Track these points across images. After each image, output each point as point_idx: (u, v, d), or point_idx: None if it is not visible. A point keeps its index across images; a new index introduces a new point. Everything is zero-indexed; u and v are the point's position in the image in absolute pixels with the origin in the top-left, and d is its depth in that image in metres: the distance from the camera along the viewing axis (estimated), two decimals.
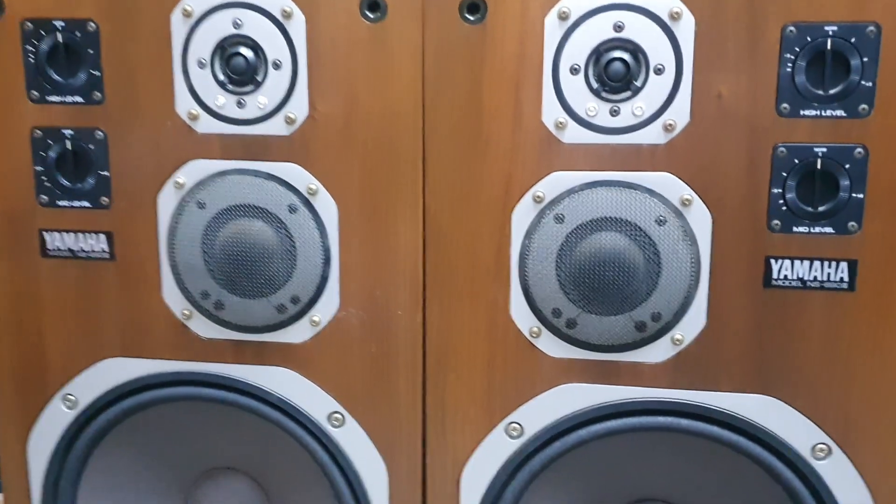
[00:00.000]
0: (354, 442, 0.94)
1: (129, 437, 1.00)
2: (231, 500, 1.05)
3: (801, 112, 0.80)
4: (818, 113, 0.79)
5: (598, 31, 0.82)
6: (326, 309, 0.91)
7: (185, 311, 0.93)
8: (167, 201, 0.91)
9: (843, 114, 0.79)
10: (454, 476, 0.94)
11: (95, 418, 0.97)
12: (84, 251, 0.94)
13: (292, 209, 0.88)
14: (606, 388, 0.89)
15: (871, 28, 0.77)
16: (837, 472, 0.86)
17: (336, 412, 0.94)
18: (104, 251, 0.93)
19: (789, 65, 0.79)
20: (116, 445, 1.00)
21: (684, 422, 0.88)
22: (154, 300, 0.94)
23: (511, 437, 0.92)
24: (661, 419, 0.88)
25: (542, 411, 0.90)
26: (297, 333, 0.92)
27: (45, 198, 0.93)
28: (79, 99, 0.90)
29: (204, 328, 0.94)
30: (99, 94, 0.90)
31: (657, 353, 0.87)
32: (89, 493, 1.01)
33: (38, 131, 0.91)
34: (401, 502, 0.95)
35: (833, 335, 0.84)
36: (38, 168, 0.92)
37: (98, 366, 0.96)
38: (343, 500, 0.95)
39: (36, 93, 0.91)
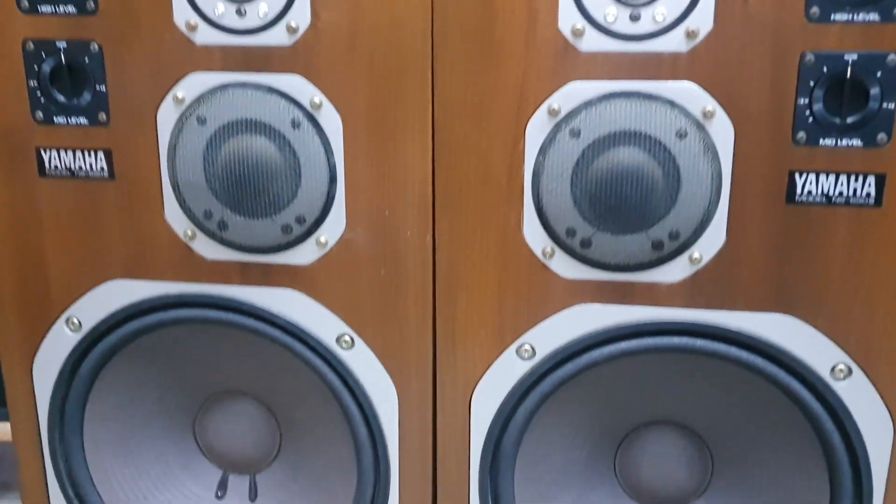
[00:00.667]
0: (364, 364, 0.93)
1: (136, 360, 0.99)
2: (240, 423, 1.04)
3: (832, 17, 0.75)
4: (849, 17, 0.75)
5: None
6: (333, 229, 0.89)
7: (189, 232, 0.91)
8: (167, 117, 0.88)
9: (877, 18, 0.74)
10: (465, 398, 0.92)
11: (100, 341, 0.96)
12: (83, 170, 0.91)
13: (295, 124, 0.84)
14: (621, 309, 0.87)
15: None
16: (857, 393, 0.84)
17: (345, 334, 0.92)
18: (103, 170, 0.90)
19: None
20: (123, 368, 0.99)
21: (700, 342, 0.86)
22: (156, 220, 0.91)
23: (522, 358, 0.90)
24: (676, 339, 0.86)
25: (554, 332, 0.88)
26: (304, 255, 0.90)
27: (40, 114, 0.90)
28: (71, 9, 0.86)
29: (208, 249, 0.91)
30: (92, 3, 0.85)
31: (674, 272, 0.84)
32: (96, 416, 1.01)
33: (31, 43, 0.87)
34: (411, 424, 0.94)
35: (857, 253, 0.81)
36: (32, 83, 0.89)
37: (101, 288, 0.94)
38: (353, 422, 0.94)
39: (26, 2, 0.86)
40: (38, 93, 0.89)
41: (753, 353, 0.85)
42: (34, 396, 1.00)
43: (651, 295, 0.86)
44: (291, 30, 0.83)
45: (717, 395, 0.93)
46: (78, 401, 0.99)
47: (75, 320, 0.96)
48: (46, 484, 1.04)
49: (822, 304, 0.83)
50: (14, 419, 1.02)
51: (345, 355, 0.93)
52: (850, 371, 0.84)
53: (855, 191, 0.79)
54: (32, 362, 0.99)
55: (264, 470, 1.05)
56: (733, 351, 0.85)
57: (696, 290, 0.84)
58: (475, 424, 0.93)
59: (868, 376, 0.84)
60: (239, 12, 0.83)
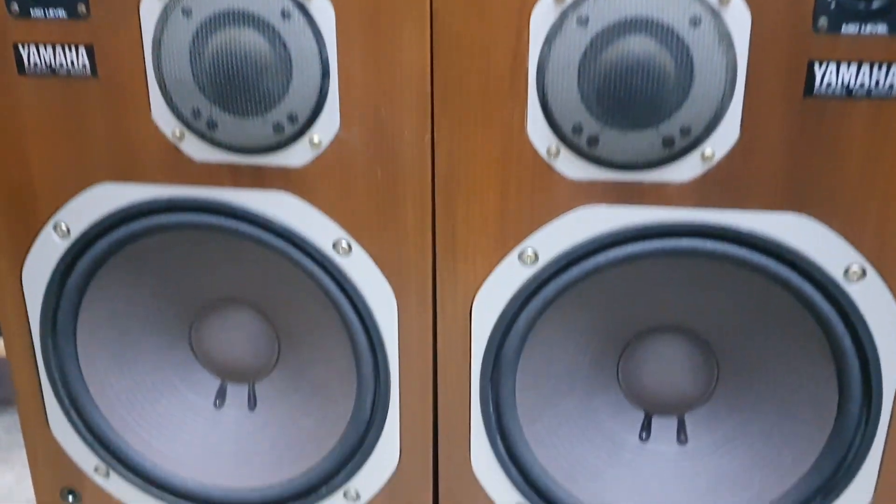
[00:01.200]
0: (362, 270, 0.90)
1: (128, 267, 0.96)
2: (237, 331, 1.02)
3: None
4: None
5: None
6: (327, 129, 0.85)
7: (177, 132, 0.87)
8: (150, 9, 0.83)
9: None
10: (465, 304, 0.90)
11: (90, 248, 0.93)
12: (64, 67, 0.86)
13: (285, 14, 0.79)
14: (628, 210, 0.83)
15: None
16: (871, 294, 0.82)
17: (341, 240, 0.89)
18: (85, 67, 0.86)
19: None
20: (114, 276, 0.96)
21: (710, 244, 0.83)
22: (143, 120, 0.87)
23: (525, 263, 0.87)
24: (685, 241, 0.83)
25: (558, 236, 0.85)
26: (297, 155, 0.86)
27: (16, 7, 0.85)
28: None
29: (197, 150, 0.88)
30: None
31: (684, 170, 0.81)
32: (89, 326, 0.98)
33: None
34: (411, 331, 0.92)
35: (877, 148, 0.77)
36: None
37: (88, 192, 0.91)
38: (352, 329, 0.92)
39: None
40: None
41: (765, 255, 0.82)
42: (25, 306, 0.98)
43: (660, 195, 0.82)
44: None
45: (725, 300, 0.90)
46: (70, 310, 0.96)
47: (63, 226, 0.93)
48: (42, 396, 1.02)
49: (838, 203, 0.80)
50: (6, 330, 1.00)
51: (342, 261, 0.90)
52: (864, 272, 0.81)
53: (877, 82, 0.75)
54: (21, 270, 0.96)
55: (263, 379, 1.04)
56: (744, 252, 0.82)
57: (707, 189, 0.81)
58: (476, 331, 0.91)
59: (883, 278, 0.81)
60: None
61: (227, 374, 1.05)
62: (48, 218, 0.93)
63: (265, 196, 0.88)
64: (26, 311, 0.98)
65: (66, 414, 1.01)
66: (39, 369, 1.01)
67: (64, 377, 1.00)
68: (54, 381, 1.00)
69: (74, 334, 0.98)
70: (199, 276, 0.99)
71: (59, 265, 0.94)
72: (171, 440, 1.03)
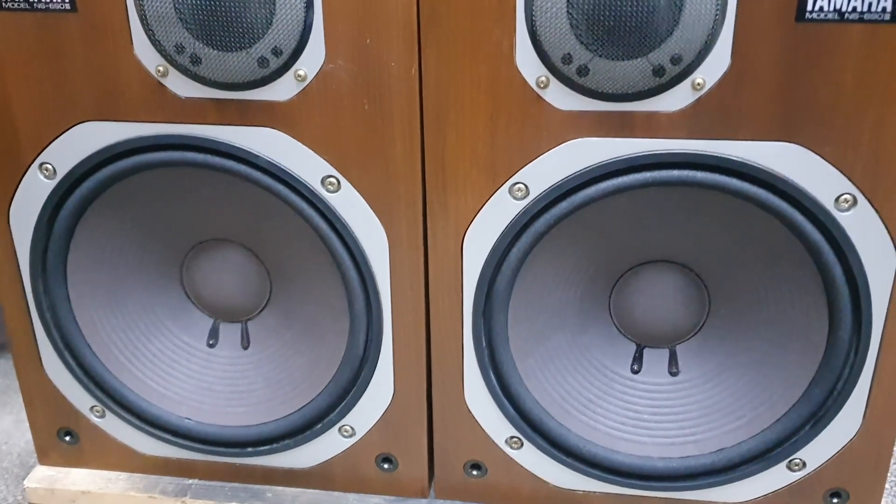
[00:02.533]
0: (351, 206, 0.90)
1: (116, 207, 0.96)
2: (228, 270, 1.02)
3: None
4: None
5: None
6: (312, 61, 0.83)
7: (160, 68, 0.85)
8: None
9: None
10: (456, 239, 0.90)
11: (77, 187, 0.92)
12: (42, 2, 0.84)
13: None
14: (618, 142, 0.83)
15: None
16: (861, 223, 0.82)
17: (330, 176, 0.88)
18: (64, 1, 0.84)
19: None
20: (103, 216, 0.96)
21: (700, 174, 0.82)
22: (125, 57, 0.86)
23: (515, 197, 0.87)
24: (675, 172, 0.83)
25: (548, 169, 0.85)
26: (283, 90, 0.85)
27: None
28: None
29: (182, 86, 0.86)
30: None
31: (675, 100, 0.80)
32: (80, 267, 0.98)
33: None
34: (402, 267, 0.92)
35: (869, 75, 0.76)
36: None
37: (72, 131, 0.90)
38: (343, 266, 0.92)
39: None
40: None
41: (756, 184, 0.82)
42: (13, 247, 0.97)
43: (651, 126, 0.81)
44: None
45: (717, 231, 0.90)
46: (59, 250, 0.96)
47: (49, 166, 0.92)
48: (35, 338, 1.02)
49: (830, 132, 0.79)
50: None
51: (331, 198, 0.89)
52: (855, 201, 0.81)
53: (870, 5, 0.74)
54: (8, 211, 0.95)
55: (256, 317, 1.04)
56: (735, 182, 0.82)
57: (698, 118, 0.80)
58: (468, 266, 0.91)
59: (874, 206, 0.81)
60: None
61: (220, 313, 1.05)
62: (33, 158, 0.92)
63: (252, 132, 0.87)
64: (15, 253, 0.97)
65: (60, 355, 1.02)
66: (31, 311, 1.01)
67: (56, 318, 1.00)
68: (46, 322, 1.00)
69: (65, 275, 0.98)
70: (189, 216, 0.98)
71: (46, 205, 0.93)
72: (166, 379, 1.04)
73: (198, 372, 1.04)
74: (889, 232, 0.82)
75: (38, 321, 1.01)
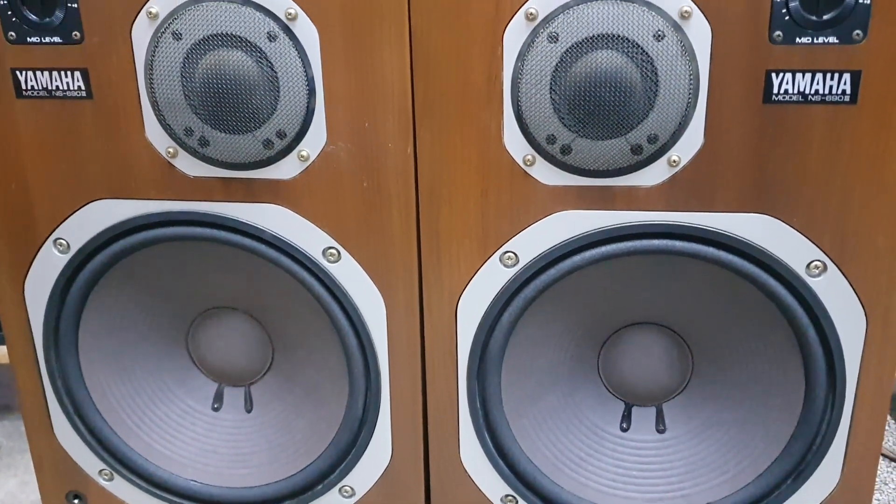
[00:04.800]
0: (351, 276, 0.94)
1: (126, 278, 1.00)
2: (232, 337, 1.06)
3: None
4: None
5: None
6: (314, 143, 0.89)
7: (170, 149, 0.91)
8: (141, 33, 0.87)
9: None
10: (451, 306, 0.94)
11: (89, 261, 0.97)
12: (60, 90, 0.90)
13: (272, 37, 0.84)
14: (601, 214, 0.88)
15: None
16: (832, 288, 0.87)
17: (331, 247, 0.93)
18: (80, 89, 0.90)
19: None
20: (113, 287, 1.00)
21: (679, 243, 0.87)
22: (137, 139, 0.91)
23: (506, 265, 0.92)
24: (655, 242, 0.88)
25: (536, 239, 0.90)
26: (286, 169, 0.90)
27: (13, 34, 0.89)
28: None
29: (190, 166, 0.92)
30: None
31: (653, 175, 0.85)
32: (90, 336, 1.02)
33: None
34: (399, 333, 0.96)
35: (832, 151, 0.82)
36: (2, 2, 0.87)
37: (86, 209, 0.95)
38: (343, 333, 0.96)
39: None
40: (10, 12, 0.87)
41: (731, 253, 0.87)
42: (27, 318, 1.01)
43: (631, 199, 0.87)
44: None
45: (698, 295, 0.95)
46: (71, 321, 1.00)
47: (63, 241, 0.97)
48: (46, 403, 1.06)
49: (798, 203, 0.84)
50: (10, 341, 1.04)
51: (332, 268, 0.94)
52: (825, 267, 0.86)
53: (831, 88, 0.80)
54: (24, 284, 1.00)
55: (258, 381, 1.08)
56: (711, 251, 0.87)
57: (674, 192, 0.86)
58: (462, 331, 0.95)
59: (842, 272, 0.86)
60: None
61: (224, 377, 1.09)
62: (48, 234, 0.97)
63: (257, 208, 0.92)
64: (29, 323, 1.02)
65: (70, 420, 1.05)
66: (43, 378, 1.05)
67: (67, 385, 1.04)
68: (58, 388, 1.04)
69: (76, 344, 1.02)
70: (195, 285, 1.03)
71: (59, 278, 0.98)
72: (172, 443, 1.08)
73: (203, 435, 1.08)
74: (858, 296, 0.87)
75: (49, 387, 1.05)
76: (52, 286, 0.99)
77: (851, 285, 0.87)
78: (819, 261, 0.86)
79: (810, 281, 0.87)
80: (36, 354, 1.03)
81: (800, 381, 0.93)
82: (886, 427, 1.68)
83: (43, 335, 1.01)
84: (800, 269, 0.86)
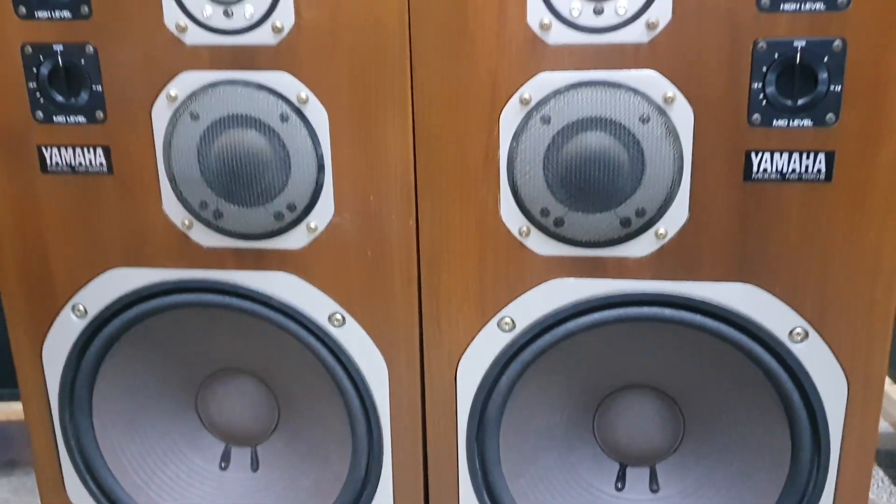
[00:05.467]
0: (355, 341, 0.98)
1: (139, 342, 1.05)
2: (240, 399, 1.10)
3: (781, 6, 0.80)
4: (797, 6, 0.80)
5: None
6: (322, 215, 0.94)
7: (186, 221, 0.96)
8: (161, 114, 0.92)
9: (822, 7, 0.80)
10: (451, 369, 0.98)
11: (105, 326, 1.01)
12: (83, 166, 0.96)
13: (284, 118, 0.89)
14: (593, 282, 0.92)
15: None
16: (814, 354, 0.91)
17: (336, 313, 0.97)
18: (102, 165, 0.95)
19: None
20: (127, 351, 1.05)
21: (668, 311, 0.92)
22: (154, 211, 0.97)
23: (503, 330, 0.96)
24: (645, 309, 0.92)
25: (532, 306, 0.94)
26: (295, 239, 0.95)
27: (40, 114, 0.94)
28: (66, 14, 0.90)
29: (204, 237, 0.97)
30: (86, 8, 0.90)
31: (641, 247, 0.90)
32: (104, 397, 1.06)
33: (29, 47, 0.92)
34: (401, 395, 1.00)
35: (810, 225, 0.87)
36: (31, 84, 0.93)
37: (104, 276, 1.00)
38: (346, 395, 1.00)
39: (23, 8, 0.91)
40: (38, 94, 0.93)
41: (717, 321, 0.91)
42: (44, 380, 1.05)
43: (621, 268, 0.92)
44: (276, 29, 0.87)
45: (688, 360, 0.99)
46: (86, 383, 1.04)
47: (80, 307, 1.01)
48: (59, 462, 1.10)
49: (780, 273, 0.89)
50: (26, 400, 1.08)
51: (336, 333, 0.98)
52: (806, 334, 0.90)
53: (807, 167, 0.85)
54: (42, 348, 1.04)
55: (264, 442, 1.12)
56: (698, 319, 0.91)
57: (662, 263, 0.90)
58: (461, 393, 0.99)
59: (823, 338, 0.90)
60: (226, 13, 0.88)
61: (231, 438, 1.12)
62: (67, 300, 1.02)
63: (266, 276, 0.97)
64: (46, 385, 1.06)
65: (82, 478, 1.09)
66: (57, 436, 1.08)
67: (80, 444, 1.07)
68: (71, 448, 1.07)
69: (90, 405, 1.06)
70: (205, 348, 1.07)
71: (76, 343, 1.02)
72: (180, 502, 1.11)
73: (210, 493, 1.11)
74: (839, 361, 0.91)
75: (63, 446, 1.08)
76: (69, 349, 1.03)
77: (833, 351, 0.91)
78: (801, 328, 0.90)
79: (793, 347, 0.91)
80: (51, 414, 1.07)
81: (786, 442, 0.96)
82: (880, 483, 1.70)
83: (59, 396, 1.05)
84: (783, 336, 0.91)
